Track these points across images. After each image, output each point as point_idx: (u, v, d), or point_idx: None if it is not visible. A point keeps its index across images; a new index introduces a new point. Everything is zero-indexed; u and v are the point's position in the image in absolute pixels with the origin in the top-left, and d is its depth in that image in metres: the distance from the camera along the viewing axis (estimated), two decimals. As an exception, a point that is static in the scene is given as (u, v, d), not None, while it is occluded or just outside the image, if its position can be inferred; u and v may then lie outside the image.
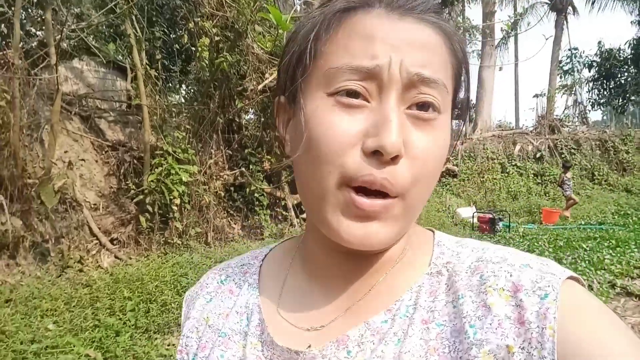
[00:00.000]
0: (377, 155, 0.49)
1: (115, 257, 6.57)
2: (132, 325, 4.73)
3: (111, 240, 6.78)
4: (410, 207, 0.52)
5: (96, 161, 7.36)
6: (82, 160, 7.15)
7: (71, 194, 6.48)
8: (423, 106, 0.51)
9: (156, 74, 7.02)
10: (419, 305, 0.54)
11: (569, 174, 11.07)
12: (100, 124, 8.22)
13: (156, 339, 4.72)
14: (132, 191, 6.90)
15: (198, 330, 0.65)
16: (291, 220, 8.68)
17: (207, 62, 7.33)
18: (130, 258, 6.67)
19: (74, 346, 4.17)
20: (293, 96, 0.57)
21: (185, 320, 0.68)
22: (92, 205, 6.90)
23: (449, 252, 0.59)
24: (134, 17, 6.62)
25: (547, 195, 14.01)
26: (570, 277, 0.51)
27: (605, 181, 15.52)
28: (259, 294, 0.64)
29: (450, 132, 0.56)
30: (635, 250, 7.11)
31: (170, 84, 8.81)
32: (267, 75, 8.00)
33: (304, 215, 9.21)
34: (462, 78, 0.58)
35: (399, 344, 0.52)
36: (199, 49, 6.92)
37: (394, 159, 0.49)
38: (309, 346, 0.55)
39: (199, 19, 7.08)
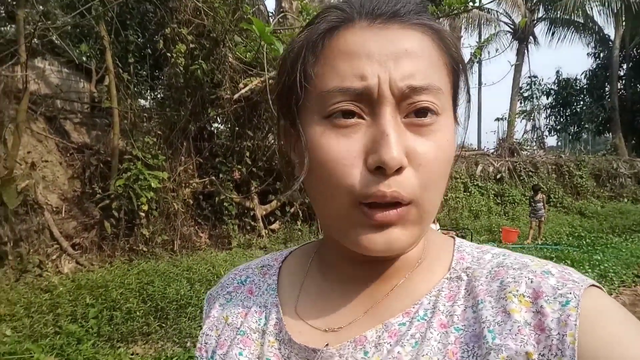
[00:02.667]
0: (381, 170, 0.49)
1: (77, 262, 6.36)
2: (95, 333, 4.60)
3: (73, 245, 6.57)
4: (425, 211, 0.53)
5: (60, 163, 7.14)
6: (46, 161, 6.93)
7: (33, 196, 6.26)
8: (420, 112, 0.51)
9: (128, 78, 6.91)
10: (438, 309, 0.54)
11: (537, 196, 11.28)
12: (66, 125, 8.00)
13: (119, 347, 4.60)
14: (98, 195, 6.73)
15: (217, 328, 0.66)
16: (259, 231, 8.64)
17: (181, 69, 7.28)
18: (93, 264, 6.47)
19: (33, 353, 4.01)
20: (292, 121, 0.58)
21: (206, 319, 0.69)
22: (54, 209, 6.68)
23: (469, 257, 0.59)
24: (108, 19, 6.53)
25: (507, 215, 14.50)
26: (592, 285, 0.50)
27: (560, 204, 16.18)
28: (277, 294, 0.65)
29: (454, 130, 0.56)
30: (589, 270, 7.46)
31: (137, 88, 8.66)
32: (241, 85, 8.02)
33: (273, 227, 9.20)
34: (460, 72, 0.57)
35: (416, 347, 0.52)
36: (174, 55, 6.87)
37: (398, 171, 0.49)
38: (327, 345, 0.55)
39: (175, 25, 7.04)
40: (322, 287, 0.63)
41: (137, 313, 4.97)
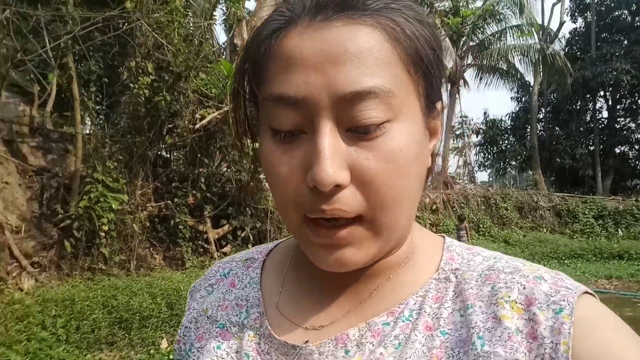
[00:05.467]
0: (318, 189, 0.47)
1: (36, 280, 6.57)
2: (64, 341, 4.93)
3: (32, 264, 6.78)
4: (380, 227, 0.50)
5: (19, 185, 7.36)
6: (6, 183, 7.14)
7: (-6, 216, 6.47)
8: (362, 128, 0.47)
9: (93, 106, 7.36)
10: (424, 310, 0.53)
11: (461, 225, 12.65)
12: (23, 148, 8.22)
13: (86, 354, 4.95)
14: (60, 215, 7.01)
15: (197, 321, 0.65)
16: (212, 254, 9.09)
17: (142, 99, 7.81)
18: (51, 282, 6.70)
19: (9, 356, 4.31)
20: (253, 125, 0.58)
21: (187, 312, 0.68)
22: (14, 228, 6.88)
23: (459, 258, 0.58)
24: (75, 51, 7.02)
25: (440, 242, 15.60)
26: (586, 293, 0.50)
27: (488, 233, 17.63)
28: (260, 288, 0.64)
29: (418, 128, 0.51)
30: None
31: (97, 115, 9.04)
32: (197, 115, 8.65)
33: (225, 250, 9.67)
34: (427, 59, 0.51)
35: (400, 348, 0.51)
36: (138, 86, 7.43)
37: (338, 189, 0.47)
38: (306, 341, 0.55)
39: (139, 60, 7.62)
40: (303, 284, 0.61)
41: (103, 323, 5.33)
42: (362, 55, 0.46)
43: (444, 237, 0.63)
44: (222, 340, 0.59)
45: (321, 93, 0.46)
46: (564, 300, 0.47)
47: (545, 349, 0.45)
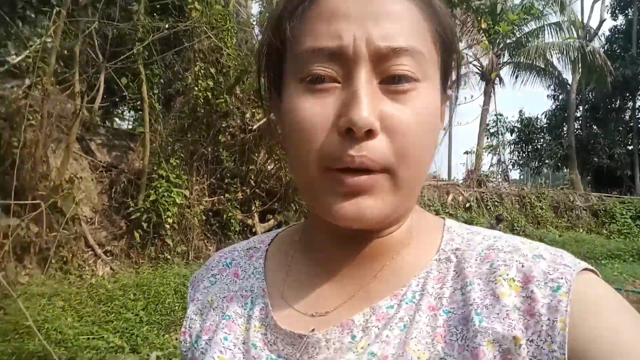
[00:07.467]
0: (351, 134, 0.48)
1: (110, 267, 7.22)
2: (146, 322, 5.49)
3: (105, 252, 7.43)
4: (402, 182, 0.51)
5: (91, 180, 8.03)
6: (80, 177, 7.81)
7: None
8: (397, 78, 0.50)
9: (160, 108, 7.97)
10: (427, 291, 0.54)
11: (498, 225, 12.84)
12: (92, 145, 8.90)
13: (164, 334, 5.50)
14: (131, 208, 7.64)
15: (202, 312, 0.65)
16: (260, 246, 9.62)
17: (202, 100, 8.37)
18: (122, 269, 7.34)
19: (103, 334, 4.89)
20: (275, 86, 0.59)
21: (190, 303, 0.68)
22: (88, 220, 7.55)
23: (459, 238, 0.59)
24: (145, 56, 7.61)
25: (475, 241, 15.80)
26: (586, 269, 0.50)
27: (522, 232, 17.62)
28: (264, 278, 0.64)
29: (437, 99, 0.54)
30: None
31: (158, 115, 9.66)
32: (247, 115, 9.18)
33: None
34: (450, 42, 0.55)
35: (405, 330, 0.51)
36: (198, 89, 7.99)
37: (369, 135, 0.48)
38: (313, 330, 0.55)
39: (201, 64, 8.17)
40: (307, 271, 0.62)
41: (176, 306, 5.90)
42: (401, 17, 0.51)
43: (444, 218, 0.64)
44: (229, 332, 0.60)
45: (361, 44, 0.49)
46: (561, 277, 0.48)
47: (542, 326, 0.46)
